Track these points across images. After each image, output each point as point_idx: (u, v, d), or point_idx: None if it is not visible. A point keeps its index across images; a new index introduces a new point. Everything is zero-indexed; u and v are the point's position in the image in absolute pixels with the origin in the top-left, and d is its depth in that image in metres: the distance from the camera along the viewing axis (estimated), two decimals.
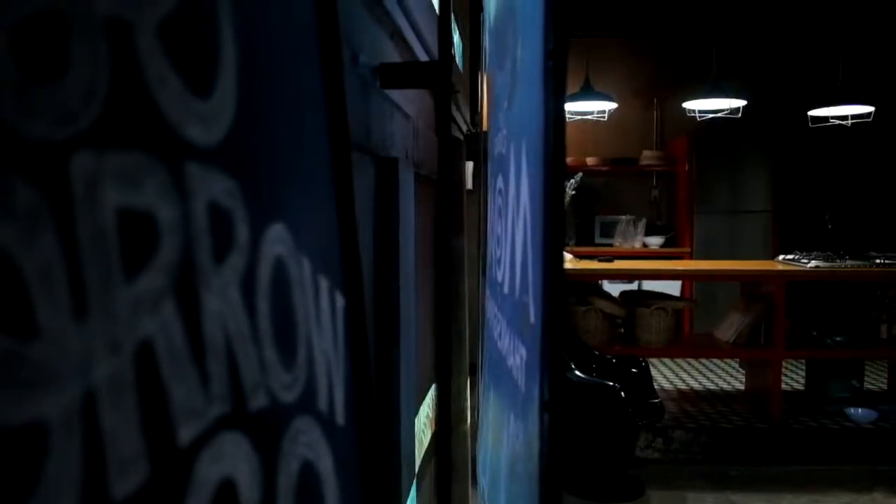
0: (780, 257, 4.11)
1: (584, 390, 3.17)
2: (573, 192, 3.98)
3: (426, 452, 1.76)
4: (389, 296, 1.05)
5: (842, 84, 4.52)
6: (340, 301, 0.63)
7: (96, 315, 0.26)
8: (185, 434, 0.32)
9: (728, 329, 3.96)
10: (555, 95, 0.60)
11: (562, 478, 0.89)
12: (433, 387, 1.83)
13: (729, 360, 4.94)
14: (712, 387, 4.57)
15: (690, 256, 5.84)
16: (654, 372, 5.00)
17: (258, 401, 0.42)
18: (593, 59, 4.95)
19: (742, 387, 4.36)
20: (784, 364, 4.10)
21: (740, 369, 4.53)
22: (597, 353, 3.55)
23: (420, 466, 1.52)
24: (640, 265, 4.40)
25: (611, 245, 6.12)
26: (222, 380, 0.37)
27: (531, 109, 0.80)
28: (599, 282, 5.40)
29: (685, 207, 5.98)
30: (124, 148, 0.30)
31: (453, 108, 2.23)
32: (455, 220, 1.96)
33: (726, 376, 4.81)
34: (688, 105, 4.28)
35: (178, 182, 0.34)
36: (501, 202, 1.18)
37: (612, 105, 4.67)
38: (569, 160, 6.22)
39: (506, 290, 1.09)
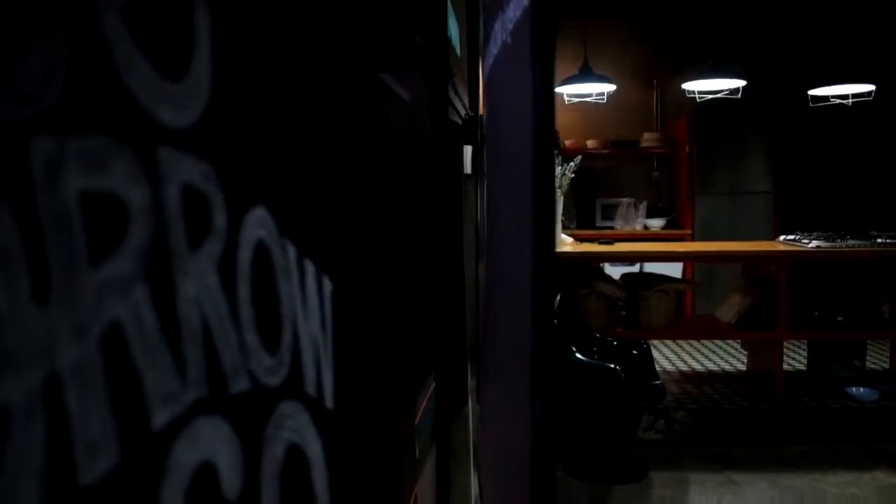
0: (781, 238, 4.10)
1: (585, 372, 3.18)
2: (572, 175, 3.96)
3: (425, 438, 1.76)
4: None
5: (842, 63, 4.48)
6: (328, 285, 0.63)
7: (60, 300, 0.26)
8: (160, 418, 0.32)
9: (729, 310, 3.96)
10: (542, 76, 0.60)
11: (555, 460, 0.89)
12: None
13: (731, 342, 4.94)
14: (714, 368, 4.57)
15: (692, 238, 5.82)
16: (656, 354, 5.01)
17: (240, 384, 0.42)
18: (591, 40, 4.92)
19: (744, 368, 4.37)
20: (786, 344, 4.10)
21: (742, 350, 4.53)
22: (598, 335, 3.55)
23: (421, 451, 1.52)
24: (641, 247, 4.40)
25: (612, 228, 6.11)
26: (199, 364, 0.37)
27: (518, 87, 0.79)
28: (601, 265, 5.40)
29: (686, 189, 5.96)
30: (90, 131, 0.29)
31: (451, 91, 2.22)
32: (454, 204, 1.96)
33: (729, 357, 4.81)
34: (687, 86, 4.25)
35: (149, 165, 0.34)
36: (494, 184, 1.17)
37: (612, 87, 4.64)
38: (569, 143, 6.19)
39: (498, 271, 1.09)
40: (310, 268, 0.58)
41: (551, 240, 0.73)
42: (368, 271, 1.00)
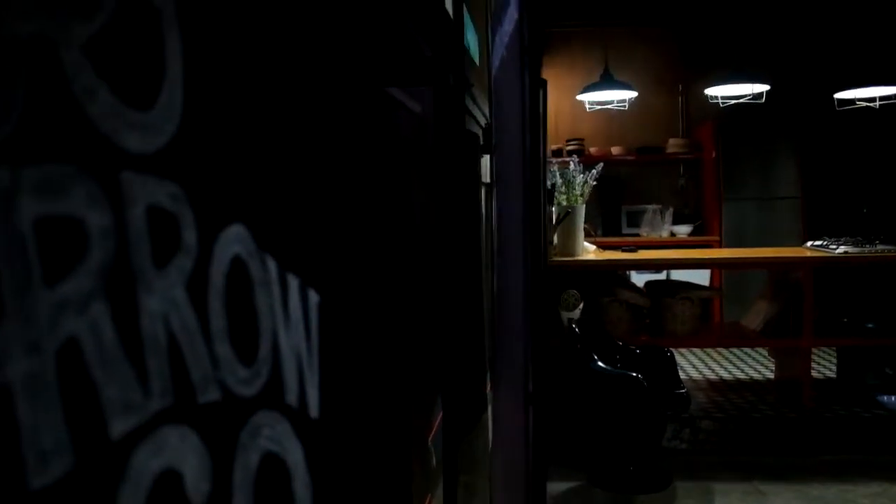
0: (808, 243, 4.04)
1: (607, 381, 3.16)
2: (594, 183, 3.95)
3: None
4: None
5: (868, 65, 4.42)
6: (315, 298, 0.65)
7: (11, 318, 0.28)
8: (118, 427, 0.34)
9: (756, 317, 3.91)
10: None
11: (546, 469, 0.90)
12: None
13: (759, 349, 4.88)
14: (742, 376, 4.52)
15: (719, 245, 5.77)
16: (682, 361, 4.96)
17: (209, 395, 0.44)
18: (613, 47, 4.91)
19: (772, 376, 4.31)
20: (815, 352, 4.04)
21: (770, 358, 4.47)
22: (620, 343, 3.53)
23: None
24: (665, 255, 4.37)
25: (638, 235, 6.07)
26: (164, 376, 0.39)
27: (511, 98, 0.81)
28: (627, 272, 5.37)
29: (712, 195, 5.91)
30: (48, 160, 0.32)
31: (469, 101, 2.24)
32: (470, 214, 1.97)
33: (756, 365, 4.75)
34: (710, 91, 4.22)
35: (111, 190, 0.36)
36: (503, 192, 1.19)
37: (633, 94, 4.62)
38: (593, 150, 6.19)
39: (505, 280, 1.11)
40: (293, 282, 0.60)
41: (539, 249, 0.74)
42: (369, 283, 1.02)
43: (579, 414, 3.37)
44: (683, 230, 5.97)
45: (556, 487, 3.21)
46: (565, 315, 3.98)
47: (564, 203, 3.90)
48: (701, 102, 5.76)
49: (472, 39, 2.58)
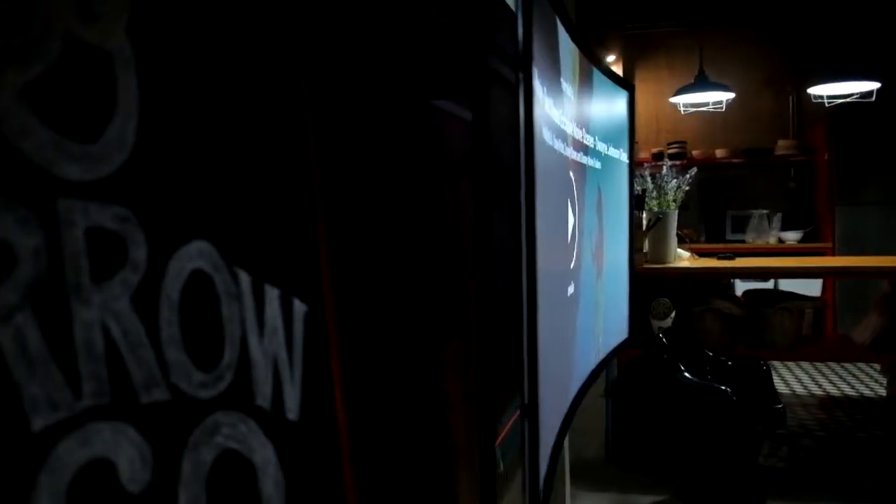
0: None
1: (693, 393, 3.06)
2: (687, 188, 3.83)
3: (512, 456, 1.79)
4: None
5: None
6: (301, 308, 0.69)
7: None
8: (40, 422, 0.40)
9: (865, 330, 3.66)
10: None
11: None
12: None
13: (874, 365, 4.56)
14: (851, 392, 4.24)
15: (832, 252, 5.43)
16: (786, 375, 4.71)
17: (155, 395, 0.49)
18: (710, 47, 4.73)
19: (884, 393, 4.02)
20: None
21: (884, 374, 4.17)
22: (711, 354, 3.40)
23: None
24: (763, 262, 4.15)
25: (742, 241, 5.82)
26: (99, 378, 0.44)
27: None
28: (731, 281, 5.14)
29: (825, 199, 5.57)
30: None
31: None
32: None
33: (868, 381, 4.44)
34: (813, 91, 4.00)
35: (45, 215, 0.41)
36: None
37: (730, 95, 4.44)
38: (696, 153, 5.98)
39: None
40: (272, 292, 0.65)
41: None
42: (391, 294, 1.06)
43: (666, 426, 3.27)
44: (792, 236, 5.66)
45: (639, 500, 3.14)
46: (656, 324, 3.87)
47: (656, 209, 3.80)
48: (812, 102, 5.45)
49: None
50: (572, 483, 3.07)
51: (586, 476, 3.32)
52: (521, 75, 1.14)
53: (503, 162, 1.28)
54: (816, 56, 5.51)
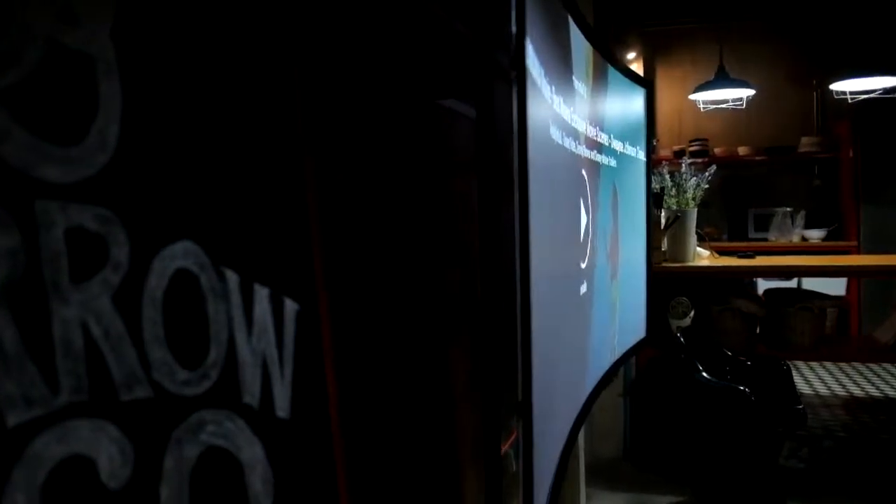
0: None
1: (711, 393, 3.03)
2: (706, 186, 3.78)
3: None
4: None
5: None
6: (292, 307, 0.70)
7: None
8: (14, 418, 0.41)
9: (888, 330, 3.60)
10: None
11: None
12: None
13: None
14: (875, 393, 4.17)
15: (857, 251, 5.34)
16: (808, 375, 4.64)
17: (136, 393, 0.50)
18: (730, 44, 4.66)
19: None
20: None
21: None
22: (730, 354, 3.37)
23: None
24: (784, 261, 4.09)
25: (765, 240, 5.74)
26: (78, 375, 0.45)
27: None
28: (754, 280, 5.08)
29: (850, 197, 5.48)
30: None
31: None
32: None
33: (894, 382, 4.36)
34: (836, 87, 3.93)
35: (23, 216, 0.42)
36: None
37: (750, 92, 4.38)
38: (718, 151, 5.91)
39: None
40: (261, 292, 0.65)
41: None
42: (383, 293, 1.06)
43: (684, 427, 3.25)
44: (816, 235, 5.57)
45: (655, 500, 3.12)
46: (675, 323, 3.84)
47: (675, 207, 3.77)
48: (836, 98, 5.36)
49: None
50: (588, 482, 3.05)
51: (603, 475, 3.30)
52: (514, 74, 1.14)
53: (506, 159, 1.28)
54: (838, 51, 5.42)
